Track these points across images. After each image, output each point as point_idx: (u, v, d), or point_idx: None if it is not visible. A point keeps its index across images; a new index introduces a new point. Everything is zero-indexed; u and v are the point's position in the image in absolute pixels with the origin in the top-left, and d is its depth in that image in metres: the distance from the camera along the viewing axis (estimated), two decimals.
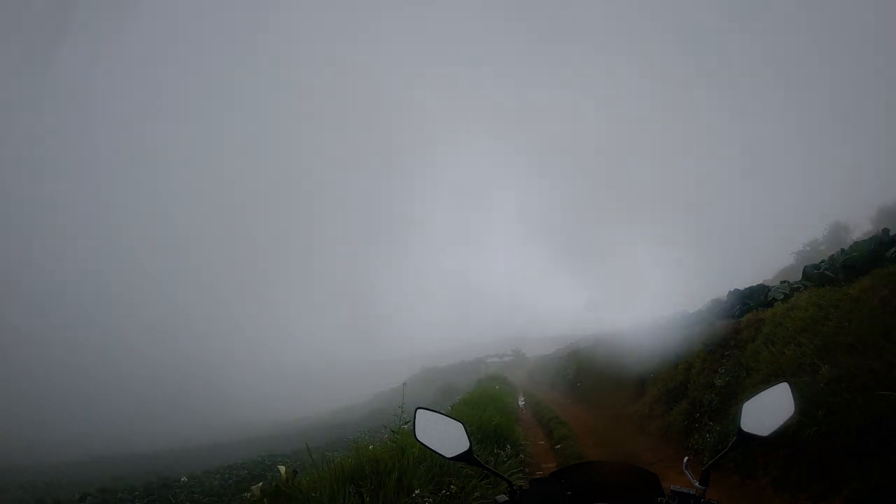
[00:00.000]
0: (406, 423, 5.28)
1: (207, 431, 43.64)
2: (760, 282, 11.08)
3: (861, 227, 26.98)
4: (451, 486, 4.04)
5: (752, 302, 8.78)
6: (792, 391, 1.35)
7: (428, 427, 1.50)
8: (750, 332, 7.08)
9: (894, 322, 4.45)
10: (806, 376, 4.80)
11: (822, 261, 7.77)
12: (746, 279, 12.92)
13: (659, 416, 8.42)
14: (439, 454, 1.46)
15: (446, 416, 1.51)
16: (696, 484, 1.37)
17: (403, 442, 4.62)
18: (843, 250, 7.39)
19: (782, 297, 7.76)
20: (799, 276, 8.31)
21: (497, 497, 1.48)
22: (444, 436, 1.47)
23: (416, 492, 3.76)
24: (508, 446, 6.61)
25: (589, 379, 16.13)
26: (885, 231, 7.09)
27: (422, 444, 1.50)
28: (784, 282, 9.19)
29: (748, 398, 1.39)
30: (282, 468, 4.18)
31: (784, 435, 3.95)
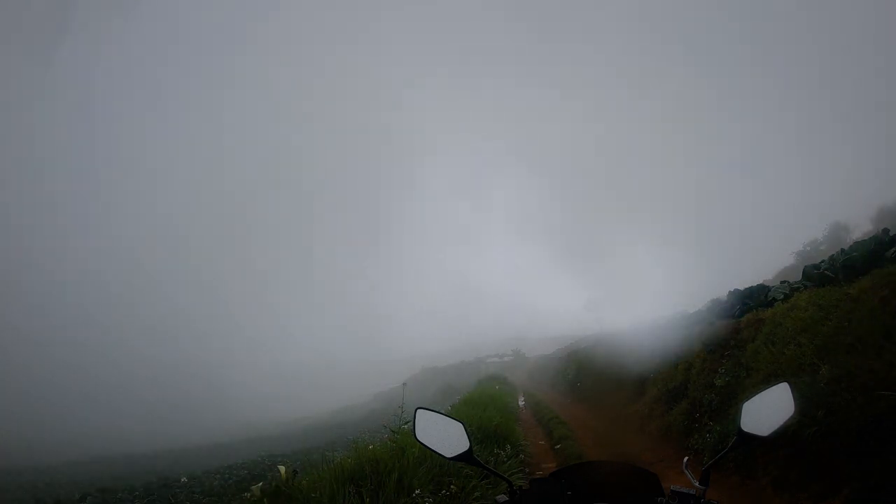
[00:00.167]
0: (406, 423, 5.28)
1: (207, 431, 43.61)
2: (760, 282, 11.09)
3: (861, 227, 27.10)
4: (452, 486, 4.04)
5: (752, 302, 8.78)
6: (792, 391, 1.35)
7: (428, 427, 1.49)
8: (750, 332, 7.07)
9: (894, 322, 4.44)
10: (806, 376, 4.80)
11: (822, 261, 7.78)
12: (746, 279, 12.95)
13: (659, 416, 8.42)
14: (439, 454, 1.46)
15: (446, 416, 1.51)
16: (696, 484, 1.37)
17: (403, 442, 4.63)
18: (843, 250, 7.40)
19: (782, 297, 7.76)
20: (799, 276, 8.32)
21: (497, 497, 1.47)
22: (444, 436, 1.47)
23: (417, 492, 3.77)
24: (508, 446, 6.61)
25: (589, 379, 16.12)
26: (885, 231, 7.09)
27: (422, 444, 1.50)
28: (784, 282, 9.18)
29: (748, 398, 1.39)
30: (282, 468, 4.19)
31: (784, 435, 3.95)
